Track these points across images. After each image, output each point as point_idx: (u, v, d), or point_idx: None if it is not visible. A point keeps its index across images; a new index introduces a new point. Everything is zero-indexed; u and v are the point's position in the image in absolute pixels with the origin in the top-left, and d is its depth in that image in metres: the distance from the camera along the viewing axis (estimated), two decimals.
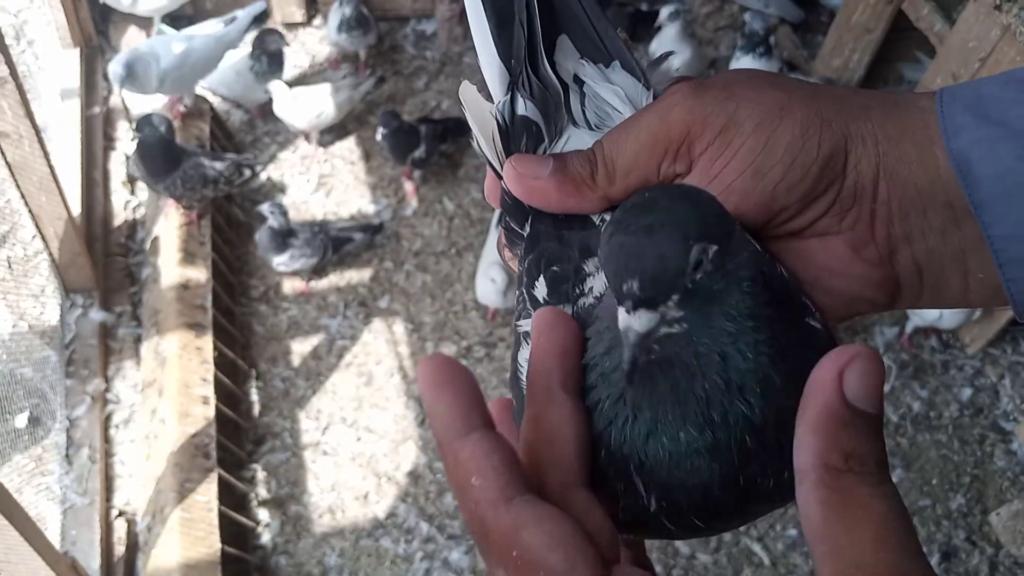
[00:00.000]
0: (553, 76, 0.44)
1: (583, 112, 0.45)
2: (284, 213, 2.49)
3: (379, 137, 2.76)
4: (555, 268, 0.44)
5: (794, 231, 0.43)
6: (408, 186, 2.93)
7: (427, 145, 2.78)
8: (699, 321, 0.36)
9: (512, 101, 0.44)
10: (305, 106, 2.85)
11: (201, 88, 2.93)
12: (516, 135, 0.44)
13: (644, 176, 0.42)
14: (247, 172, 2.61)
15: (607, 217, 0.42)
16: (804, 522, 0.33)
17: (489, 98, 0.47)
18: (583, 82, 0.45)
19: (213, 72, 2.86)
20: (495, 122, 0.45)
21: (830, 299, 0.44)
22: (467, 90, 0.46)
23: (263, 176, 2.96)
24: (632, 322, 0.35)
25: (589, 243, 0.42)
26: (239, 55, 2.95)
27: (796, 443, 0.34)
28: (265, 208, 2.50)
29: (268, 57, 2.92)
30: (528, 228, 0.44)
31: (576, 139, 0.44)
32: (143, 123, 2.33)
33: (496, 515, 0.34)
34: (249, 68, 2.91)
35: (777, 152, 0.41)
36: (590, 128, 0.45)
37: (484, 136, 0.45)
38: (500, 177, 0.45)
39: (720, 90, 0.42)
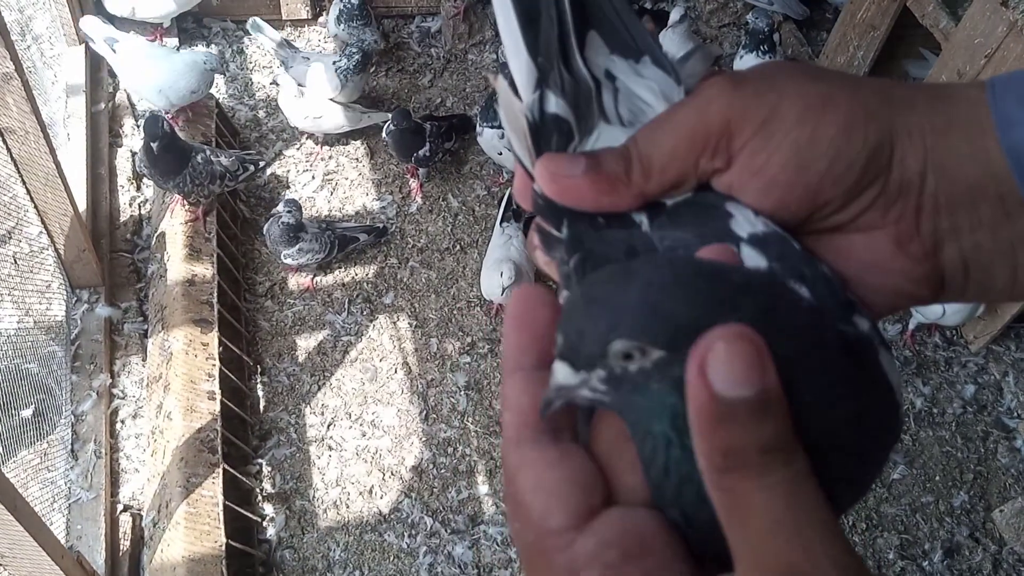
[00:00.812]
0: (586, 71, 0.43)
1: (616, 108, 0.44)
2: (299, 210, 2.51)
3: (384, 133, 2.77)
4: None
5: (836, 226, 0.42)
6: (413, 183, 2.94)
7: (432, 144, 2.79)
8: (628, 408, 0.34)
9: (542, 99, 0.43)
10: (306, 107, 2.85)
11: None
12: (546, 134, 0.43)
13: (682, 172, 0.41)
14: (251, 167, 2.61)
15: (644, 219, 0.41)
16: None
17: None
18: (615, 77, 0.44)
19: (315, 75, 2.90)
20: (525, 121, 0.43)
21: (872, 294, 0.42)
22: (502, 87, 0.44)
23: (267, 173, 2.96)
24: (555, 368, 0.35)
25: (633, 244, 0.41)
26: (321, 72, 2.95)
27: (694, 448, 0.32)
28: (281, 207, 2.50)
29: (363, 55, 2.92)
30: (566, 230, 0.43)
31: (607, 136, 0.43)
32: (150, 124, 2.33)
33: (507, 452, 0.35)
34: (337, 63, 2.91)
35: (821, 145, 0.40)
36: (622, 124, 0.43)
37: (516, 135, 0.44)
38: (532, 178, 0.43)
39: (760, 82, 0.41)
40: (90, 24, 2.66)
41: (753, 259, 0.39)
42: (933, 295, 0.43)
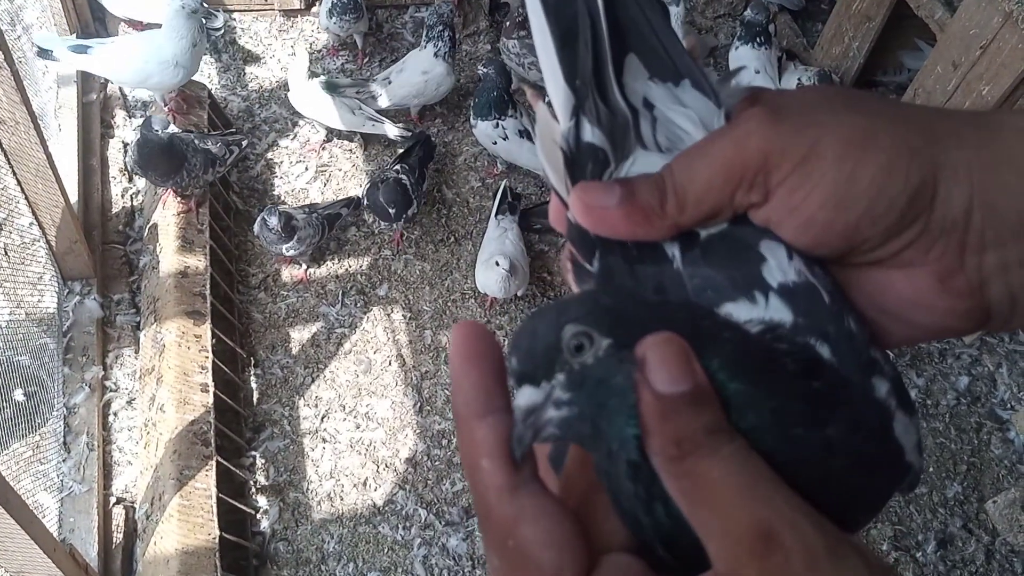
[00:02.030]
0: (623, 102, 0.42)
1: (653, 136, 0.43)
2: (280, 216, 2.45)
3: (367, 202, 2.64)
4: None
5: (875, 261, 0.41)
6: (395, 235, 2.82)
7: (416, 199, 2.66)
8: (592, 409, 0.35)
9: (578, 127, 0.42)
10: (311, 100, 2.83)
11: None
12: (582, 162, 0.42)
13: (717, 205, 0.40)
14: (235, 149, 2.60)
15: (676, 252, 0.41)
16: (685, 517, 0.34)
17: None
18: (653, 106, 0.43)
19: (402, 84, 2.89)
20: (560, 151, 0.43)
21: (911, 330, 0.42)
22: (542, 112, 0.44)
23: (259, 164, 2.95)
24: (518, 396, 0.35)
25: (663, 282, 0.41)
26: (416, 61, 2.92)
27: (648, 452, 0.34)
28: (265, 213, 2.46)
29: (451, 41, 2.90)
30: (597, 263, 0.43)
31: (643, 162, 0.42)
32: (146, 128, 2.31)
33: (499, 502, 0.34)
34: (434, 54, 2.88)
35: (862, 184, 0.39)
36: (660, 151, 0.43)
37: (552, 163, 0.43)
38: (566, 205, 0.43)
39: (799, 116, 0.40)
40: (45, 38, 2.56)
41: (779, 311, 0.39)
42: (976, 327, 0.42)
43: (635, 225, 0.40)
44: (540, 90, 0.47)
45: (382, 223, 2.69)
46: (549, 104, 0.43)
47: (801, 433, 0.34)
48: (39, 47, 2.53)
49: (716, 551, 0.32)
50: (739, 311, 0.39)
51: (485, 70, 2.73)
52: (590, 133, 0.42)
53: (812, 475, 0.34)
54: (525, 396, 0.35)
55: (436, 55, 2.87)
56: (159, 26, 2.65)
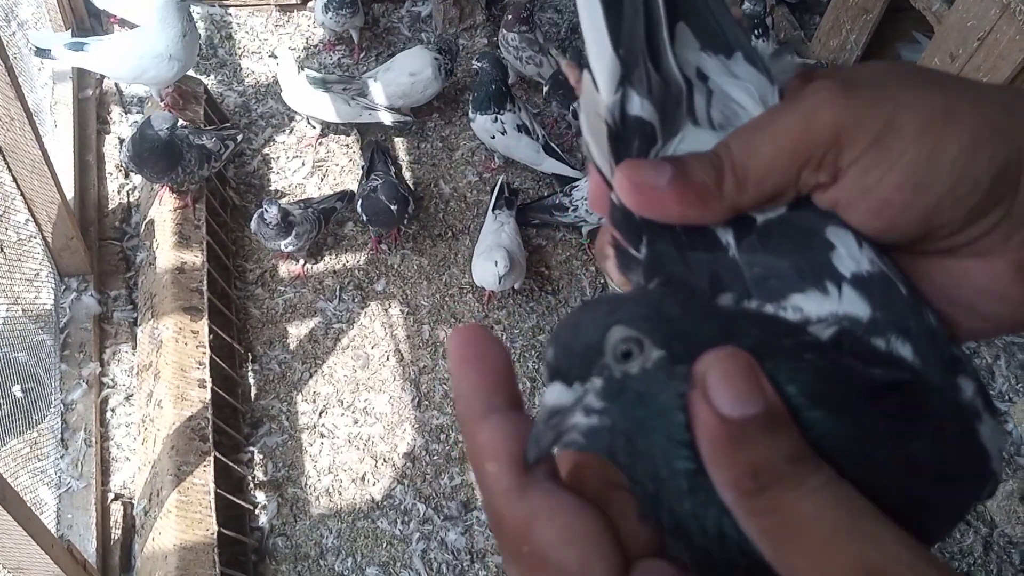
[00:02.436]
0: (677, 71, 0.38)
1: (707, 111, 0.39)
2: (279, 207, 2.45)
3: (361, 208, 2.60)
4: None
5: (950, 249, 0.38)
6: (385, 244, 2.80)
7: (411, 194, 2.65)
8: (627, 426, 0.32)
9: (624, 99, 0.38)
10: (305, 96, 2.83)
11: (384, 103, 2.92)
12: (627, 138, 0.38)
13: (781, 185, 0.37)
14: (230, 144, 2.59)
15: (731, 239, 0.37)
16: (766, 558, 0.30)
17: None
18: (707, 77, 0.40)
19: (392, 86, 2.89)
20: (605, 124, 0.38)
21: (982, 323, 0.39)
22: (586, 83, 0.39)
23: (256, 160, 2.94)
24: (547, 391, 0.33)
25: (719, 271, 0.37)
26: (406, 61, 2.92)
27: (713, 483, 0.30)
28: (264, 204, 2.45)
29: (450, 60, 2.91)
30: (645, 249, 0.39)
31: (693, 139, 0.39)
32: (146, 127, 2.29)
33: (509, 505, 0.31)
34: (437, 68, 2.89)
35: (943, 164, 0.35)
36: (712, 128, 0.39)
37: (595, 138, 0.39)
38: (609, 185, 0.39)
39: (873, 90, 0.37)
40: (41, 37, 2.55)
41: (855, 305, 0.35)
42: None
43: (688, 206, 0.37)
44: (575, 63, 0.44)
45: (383, 228, 2.67)
46: (590, 73, 0.39)
47: (885, 455, 0.31)
48: (36, 47, 2.52)
49: None
50: (809, 304, 0.35)
51: (479, 64, 2.73)
52: (638, 106, 0.38)
53: (894, 498, 0.30)
54: (553, 394, 0.33)
55: (431, 65, 2.86)
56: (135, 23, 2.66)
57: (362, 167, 2.81)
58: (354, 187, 2.82)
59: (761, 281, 0.36)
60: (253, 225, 2.51)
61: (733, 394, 0.29)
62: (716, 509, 0.30)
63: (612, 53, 0.38)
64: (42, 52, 2.52)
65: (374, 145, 2.85)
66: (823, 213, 0.37)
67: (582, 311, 0.34)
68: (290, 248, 2.54)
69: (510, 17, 2.97)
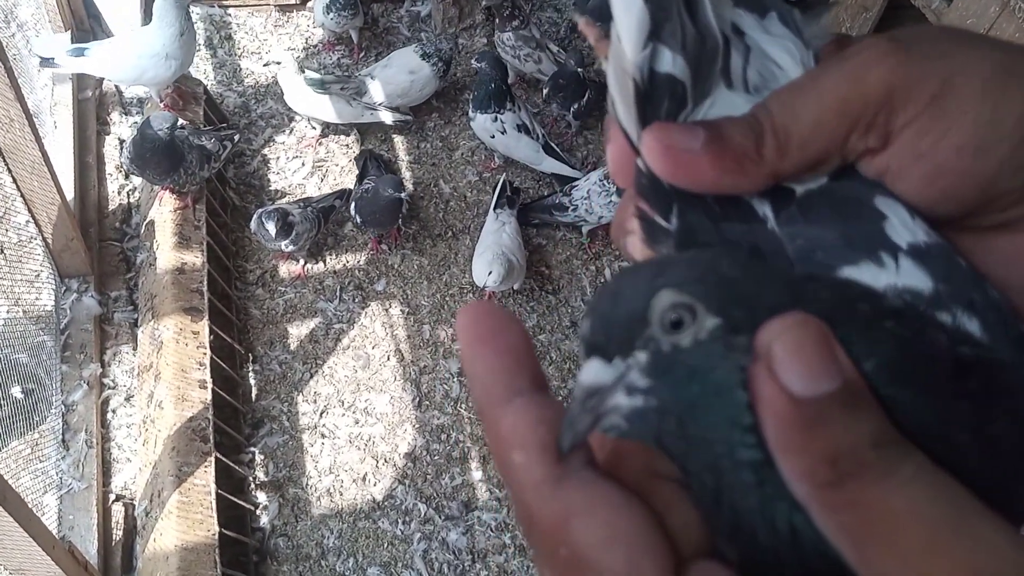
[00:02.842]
0: (715, 24, 0.35)
1: (744, 71, 0.36)
2: (278, 215, 2.43)
3: (354, 209, 2.58)
4: None
5: (1005, 223, 0.34)
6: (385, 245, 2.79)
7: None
8: (678, 408, 0.28)
9: (654, 55, 0.34)
10: (306, 97, 2.82)
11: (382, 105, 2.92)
12: (656, 99, 0.34)
13: (825, 150, 0.34)
14: (228, 144, 2.59)
15: (768, 210, 0.34)
16: (846, 560, 0.26)
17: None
18: (743, 33, 0.36)
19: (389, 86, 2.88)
20: (632, 82, 0.34)
21: None
22: (615, 37, 0.35)
23: (256, 160, 2.94)
24: (583, 369, 0.29)
25: (759, 245, 0.34)
26: (403, 59, 2.90)
27: (781, 473, 0.26)
28: (264, 218, 2.44)
29: (444, 64, 2.90)
30: (676, 220, 0.35)
31: (724, 103, 0.35)
32: (147, 127, 2.30)
33: (541, 500, 0.27)
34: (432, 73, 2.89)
35: (1005, 125, 0.32)
36: (746, 91, 0.36)
37: (623, 97, 0.35)
38: (636, 151, 0.35)
39: (929, 47, 0.33)
40: (43, 46, 2.58)
41: (914, 277, 0.32)
42: None
43: (724, 172, 0.33)
44: (593, 21, 0.39)
45: (377, 229, 2.67)
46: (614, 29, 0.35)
47: (967, 440, 0.27)
48: (41, 57, 2.54)
49: None
50: (863, 277, 0.32)
51: (478, 65, 2.73)
52: (670, 62, 0.34)
53: (979, 485, 0.27)
54: (591, 372, 0.29)
55: (429, 65, 2.86)
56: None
57: (357, 176, 2.82)
58: (352, 185, 2.82)
59: (806, 254, 0.33)
60: (253, 226, 2.51)
61: (805, 368, 0.25)
62: (787, 504, 0.27)
63: (641, 3, 0.34)
64: (46, 61, 2.54)
65: (367, 154, 2.86)
66: (869, 182, 0.34)
67: (623, 276, 0.30)
68: (290, 248, 2.54)
69: (504, 16, 2.98)
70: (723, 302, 0.28)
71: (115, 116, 2.90)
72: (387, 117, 2.89)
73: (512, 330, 0.30)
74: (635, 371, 0.28)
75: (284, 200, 2.77)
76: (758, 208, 0.34)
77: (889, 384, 0.27)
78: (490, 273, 2.40)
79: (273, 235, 2.45)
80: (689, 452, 0.28)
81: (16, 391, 2.07)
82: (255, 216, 2.49)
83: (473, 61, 2.80)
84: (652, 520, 0.27)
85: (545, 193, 2.87)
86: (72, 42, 2.69)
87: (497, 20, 2.99)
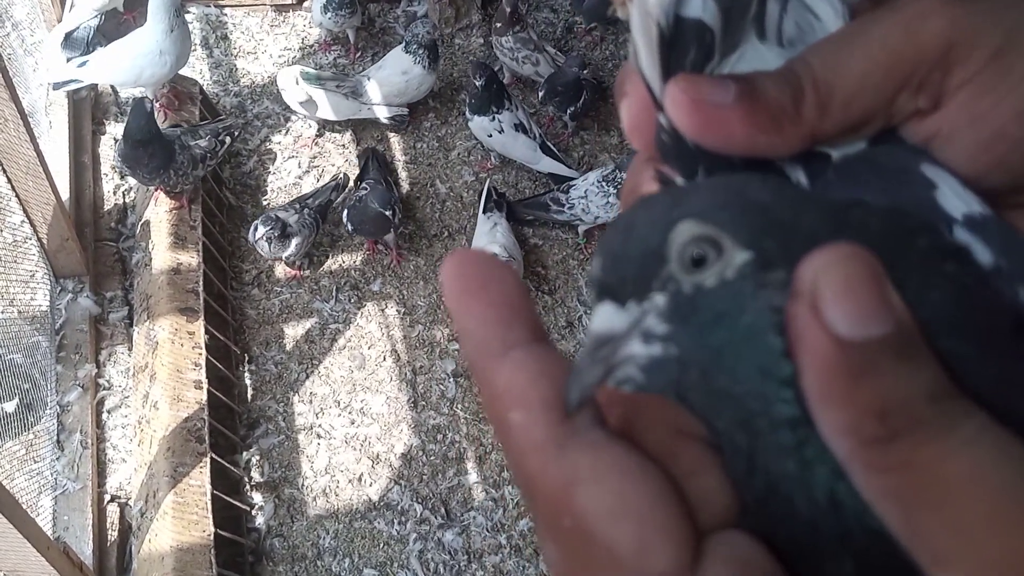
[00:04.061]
0: None
1: (779, 21, 0.32)
2: (274, 226, 2.42)
3: (347, 218, 2.56)
4: None
5: None
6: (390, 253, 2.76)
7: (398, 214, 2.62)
8: (702, 356, 0.24)
9: None
10: (303, 97, 2.83)
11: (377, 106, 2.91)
12: (681, 48, 0.30)
13: (871, 109, 0.30)
14: (227, 140, 2.59)
15: (802, 176, 0.30)
16: (891, 529, 0.22)
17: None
18: None
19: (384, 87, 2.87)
20: (656, 27, 0.30)
21: None
22: None
23: (252, 160, 2.94)
24: (594, 315, 0.26)
25: None
26: (396, 60, 2.88)
27: (819, 428, 0.23)
28: (259, 223, 2.43)
29: (427, 50, 2.86)
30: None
31: (752, 57, 0.31)
32: (129, 131, 2.30)
33: (543, 465, 0.24)
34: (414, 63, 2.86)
35: None
36: (780, 44, 0.32)
37: (646, 44, 0.31)
38: (659, 106, 0.31)
39: None
40: (56, 73, 2.61)
41: (972, 250, 0.28)
42: None
43: (757, 131, 0.29)
44: None
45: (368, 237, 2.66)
46: None
47: None
48: (55, 83, 2.59)
49: None
50: None
51: (475, 79, 2.70)
52: (699, 6, 0.30)
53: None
54: (602, 318, 0.26)
55: (415, 63, 2.85)
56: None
57: (356, 176, 2.81)
58: (350, 186, 2.82)
59: None
60: (251, 237, 2.50)
61: (855, 308, 0.22)
62: (828, 469, 0.24)
63: None
64: (62, 84, 2.58)
65: (370, 152, 2.85)
66: (913, 148, 0.30)
67: (637, 206, 0.26)
68: (291, 258, 2.54)
69: (499, 24, 2.98)
70: (753, 232, 0.24)
71: (110, 116, 2.90)
72: (382, 112, 2.90)
73: (504, 278, 0.27)
74: (652, 316, 0.25)
75: (280, 201, 2.76)
76: (791, 173, 0.30)
77: (947, 335, 0.23)
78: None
79: (270, 251, 2.45)
80: (716, 408, 0.25)
81: (9, 406, 2.06)
82: (252, 228, 2.47)
83: (470, 72, 2.80)
84: (669, 489, 0.24)
85: (539, 192, 2.87)
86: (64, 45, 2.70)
87: (499, 24, 2.99)
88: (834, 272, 0.22)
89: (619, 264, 0.26)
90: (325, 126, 2.99)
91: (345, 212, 2.57)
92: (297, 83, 2.79)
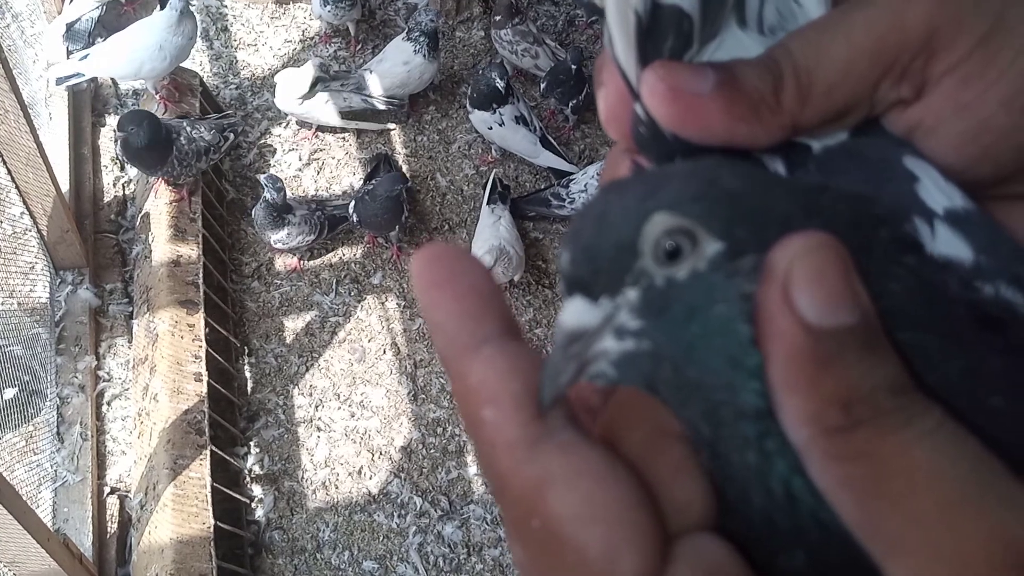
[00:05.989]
0: None
1: (760, 8, 0.31)
2: (280, 189, 2.42)
3: (353, 211, 2.56)
4: None
5: None
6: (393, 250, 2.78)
7: (407, 212, 2.64)
8: (674, 351, 0.24)
9: None
10: (296, 94, 2.82)
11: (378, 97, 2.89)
12: (659, 35, 0.29)
13: (853, 98, 0.29)
14: (231, 135, 2.58)
15: (781, 167, 0.30)
16: (844, 519, 0.22)
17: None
18: None
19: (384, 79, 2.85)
20: (634, 14, 0.29)
21: None
22: None
23: (252, 153, 2.93)
24: (563, 311, 0.26)
25: None
26: (397, 50, 2.87)
27: (780, 416, 0.23)
28: (263, 178, 2.43)
29: (428, 38, 2.84)
30: None
31: (732, 45, 0.30)
32: (126, 122, 2.29)
33: (514, 464, 0.24)
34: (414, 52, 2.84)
35: None
36: (760, 32, 0.31)
37: (623, 31, 0.29)
38: (635, 95, 0.30)
39: None
40: (59, 69, 2.60)
41: (952, 246, 0.27)
42: None
43: (737, 120, 0.28)
44: None
45: (378, 232, 2.66)
46: None
47: (1000, 404, 0.24)
48: (59, 78, 2.57)
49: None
50: None
51: (491, 75, 2.69)
52: None
53: (1013, 459, 0.23)
54: (573, 313, 0.25)
55: (415, 52, 2.84)
56: None
57: (365, 177, 2.81)
58: (353, 181, 2.82)
59: None
60: (253, 210, 2.49)
61: (826, 296, 0.22)
62: (786, 463, 0.23)
63: None
64: (65, 79, 2.57)
65: (382, 157, 2.85)
66: (896, 139, 0.29)
67: (608, 194, 0.26)
68: (280, 245, 2.53)
69: (498, 18, 2.97)
70: (727, 222, 0.24)
71: (110, 107, 2.89)
72: (380, 104, 2.90)
73: (473, 271, 0.27)
74: (624, 311, 0.25)
75: (291, 195, 2.73)
76: (769, 165, 0.30)
77: (906, 327, 0.23)
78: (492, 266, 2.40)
79: (264, 218, 2.41)
80: (685, 402, 0.25)
81: (8, 392, 2.06)
82: (265, 177, 2.44)
83: (480, 68, 2.78)
84: (640, 492, 0.24)
85: (541, 187, 2.87)
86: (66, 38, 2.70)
87: (498, 17, 2.98)
88: (807, 259, 0.22)
89: (591, 257, 0.25)
90: None
91: (352, 204, 2.57)
92: (312, 87, 2.78)
